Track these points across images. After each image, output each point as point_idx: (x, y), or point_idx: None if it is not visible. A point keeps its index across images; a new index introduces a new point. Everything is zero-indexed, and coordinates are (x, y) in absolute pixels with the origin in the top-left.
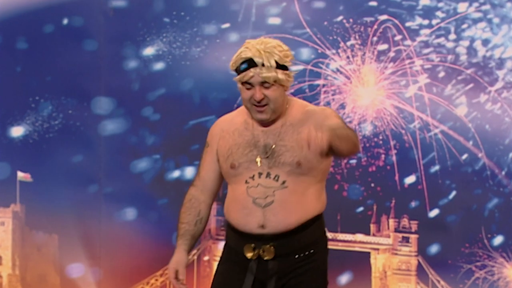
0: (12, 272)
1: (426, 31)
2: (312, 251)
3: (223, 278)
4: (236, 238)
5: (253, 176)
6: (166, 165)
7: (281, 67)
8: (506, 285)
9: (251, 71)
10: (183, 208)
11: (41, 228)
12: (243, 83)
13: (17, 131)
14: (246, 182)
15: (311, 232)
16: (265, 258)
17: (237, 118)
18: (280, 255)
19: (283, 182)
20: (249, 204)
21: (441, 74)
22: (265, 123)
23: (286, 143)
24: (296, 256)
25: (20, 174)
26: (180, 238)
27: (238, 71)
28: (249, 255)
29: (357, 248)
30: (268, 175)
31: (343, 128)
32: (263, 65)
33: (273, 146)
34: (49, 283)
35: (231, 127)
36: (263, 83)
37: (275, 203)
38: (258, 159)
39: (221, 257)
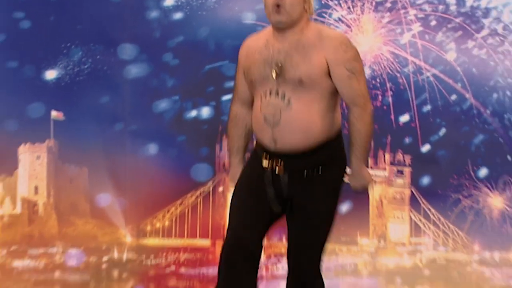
0: (47, 201)
1: None
2: (320, 172)
3: (247, 178)
4: (259, 147)
5: (266, 92)
6: (184, 105)
7: None
8: (490, 213)
9: None
10: (230, 124)
11: (72, 162)
12: None
13: (50, 75)
14: (261, 98)
15: (320, 154)
16: (277, 172)
17: (261, 39)
18: (289, 170)
19: (289, 101)
20: (261, 121)
21: (433, 23)
22: (280, 38)
23: (293, 61)
24: (305, 176)
25: (54, 113)
26: (235, 155)
27: None
28: (264, 164)
29: None
30: (277, 93)
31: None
32: None
33: (282, 64)
34: (80, 210)
35: (254, 46)
36: None
37: (282, 123)
38: (271, 75)
39: (248, 159)
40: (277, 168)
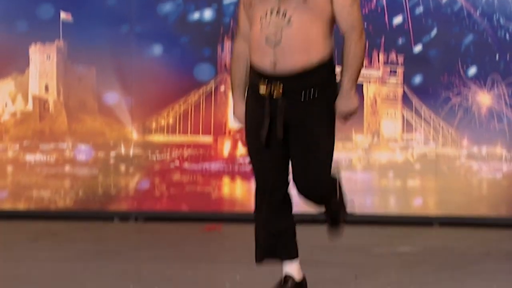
0: (57, 99)
1: None
2: (317, 95)
3: (252, 111)
4: (255, 76)
5: (266, 13)
6: (187, 7)
7: None
8: (479, 109)
9: None
10: (233, 63)
11: (81, 62)
12: None
13: None
14: (260, 19)
15: (316, 76)
16: (275, 96)
17: None
18: (287, 93)
19: (289, 20)
20: (262, 43)
21: None
22: None
23: None
24: (302, 99)
25: (63, 15)
26: (237, 90)
27: None
28: (261, 90)
29: None
30: (278, 11)
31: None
32: None
33: None
34: (88, 108)
35: None
36: None
37: (283, 42)
38: None
39: (247, 93)
40: (275, 91)
